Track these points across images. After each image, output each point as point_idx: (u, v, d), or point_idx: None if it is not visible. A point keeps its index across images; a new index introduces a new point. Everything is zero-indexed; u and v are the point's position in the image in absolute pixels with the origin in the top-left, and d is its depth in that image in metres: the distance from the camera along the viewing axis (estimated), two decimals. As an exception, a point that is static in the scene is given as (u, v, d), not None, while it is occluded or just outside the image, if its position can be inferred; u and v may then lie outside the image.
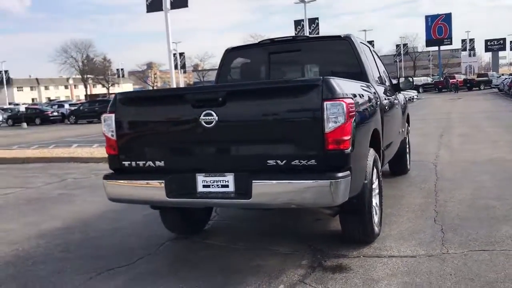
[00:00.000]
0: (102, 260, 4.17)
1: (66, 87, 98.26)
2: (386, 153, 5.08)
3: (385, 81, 5.90)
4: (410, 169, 7.43)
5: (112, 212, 5.75)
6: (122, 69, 73.80)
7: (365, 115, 3.81)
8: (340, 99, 3.26)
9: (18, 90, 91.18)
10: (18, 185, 8.35)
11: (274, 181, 3.33)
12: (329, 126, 3.24)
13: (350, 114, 3.32)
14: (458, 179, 6.68)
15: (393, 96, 5.94)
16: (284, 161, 3.36)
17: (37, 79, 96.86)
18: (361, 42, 5.37)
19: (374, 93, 4.57)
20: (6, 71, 55.53)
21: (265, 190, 3.34)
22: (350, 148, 3.33)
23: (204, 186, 3.58)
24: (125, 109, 3.77)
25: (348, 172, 3.31)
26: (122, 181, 3.74)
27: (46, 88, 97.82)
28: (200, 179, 3.59)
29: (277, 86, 3.53)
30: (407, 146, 6.99)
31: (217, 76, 5.50)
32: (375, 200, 4.25)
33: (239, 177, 3.45)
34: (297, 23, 33.61)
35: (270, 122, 3.42)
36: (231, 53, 5.46)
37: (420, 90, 45.57)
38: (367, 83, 4.53)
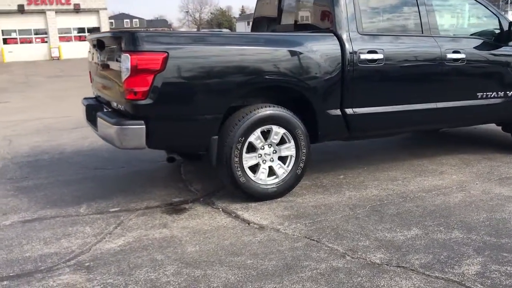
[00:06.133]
0: (82, 164, 5.53)
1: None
2: (371, 117, 4.40)
3: (439, 31, 4.70)
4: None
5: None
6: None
7: (205, 72, 3.67)
8: (130, 52, 3.47)
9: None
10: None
11: (99, 119, 3.92)
12: (123, 77, 3.55)
13: (144, 67, 3.46)
14: None
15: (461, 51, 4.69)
16: (118, 104, 3.88)
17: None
18: None
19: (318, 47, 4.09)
20: None
21: (99, 126, 3.97)
22: (145, 99, 3.53)
23: None
24: None
25: (141, 122, 3.56)
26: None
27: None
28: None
29: (112, 36, 3.92)
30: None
31: (252, 23, 5.75)
32: (268, 161, 4.06)
33: None
34: None
35: (112, 66, 3.92)
36: (260, 2, 5.56)
37: None
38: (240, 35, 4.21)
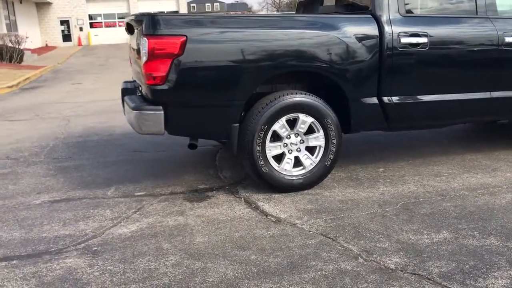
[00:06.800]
0: (126, 146, 5.61)
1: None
2: (414, 106, 4.06)
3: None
4: None
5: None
6: None
7: (224, 56, 3.51)
8: (149, 36, 3.40)
9: None
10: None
11: (125, 103, 3.91)
12: (142, 61, 3.50)
13: (161, 52, 3.39)
14: None
15: None
16: (142, 89, 3.85)
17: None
18: None
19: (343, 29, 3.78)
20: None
21: (125, 110, 3.97)
22: (164, 85, 3.46)
23: None
24: None
25: (159, 107, 3.50)
26: None
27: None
28: None
29: (136, 19, 3.85)
30: None
31: (297, 5, 5.52)
32: (295, 152, 3.86)
33: None
34: None
35: (137, 50, 3.87)
36: None
37: None
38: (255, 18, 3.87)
